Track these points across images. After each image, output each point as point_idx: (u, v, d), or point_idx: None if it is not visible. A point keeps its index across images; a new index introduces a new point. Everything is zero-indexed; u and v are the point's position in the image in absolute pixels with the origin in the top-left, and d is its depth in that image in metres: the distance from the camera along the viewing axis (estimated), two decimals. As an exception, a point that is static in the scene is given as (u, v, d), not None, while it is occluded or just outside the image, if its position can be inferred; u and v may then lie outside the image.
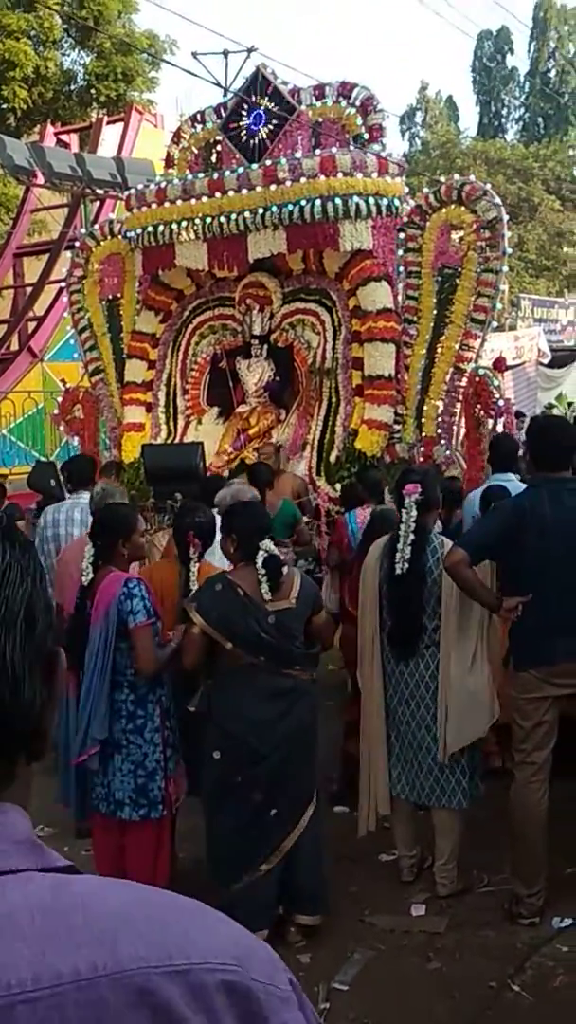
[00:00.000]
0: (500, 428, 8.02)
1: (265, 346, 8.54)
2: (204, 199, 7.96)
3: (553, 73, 35.71)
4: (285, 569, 3.85)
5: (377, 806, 4.37)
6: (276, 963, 0.83)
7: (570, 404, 16.47)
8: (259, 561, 3.75)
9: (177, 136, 9.07)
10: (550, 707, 3.95)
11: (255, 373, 8.51)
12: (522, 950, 3.76)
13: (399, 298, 7.92)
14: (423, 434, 7.81)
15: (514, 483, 5.50)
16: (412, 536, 4.17)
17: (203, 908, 0.83)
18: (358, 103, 7.92)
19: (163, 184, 8.37)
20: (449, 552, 4.01)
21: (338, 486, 7.46)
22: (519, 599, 3.92)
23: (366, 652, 4.41)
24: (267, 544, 3.80)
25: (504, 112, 37.71)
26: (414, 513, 4.20)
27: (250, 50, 9.50)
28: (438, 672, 4.18)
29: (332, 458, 7.93)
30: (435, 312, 7.86)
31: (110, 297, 9.11)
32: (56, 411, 9.58)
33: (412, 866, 4.40)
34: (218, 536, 4.16)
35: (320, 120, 8.06)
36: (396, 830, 4.45)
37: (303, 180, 7.45)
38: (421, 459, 7.66)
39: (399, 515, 4.34)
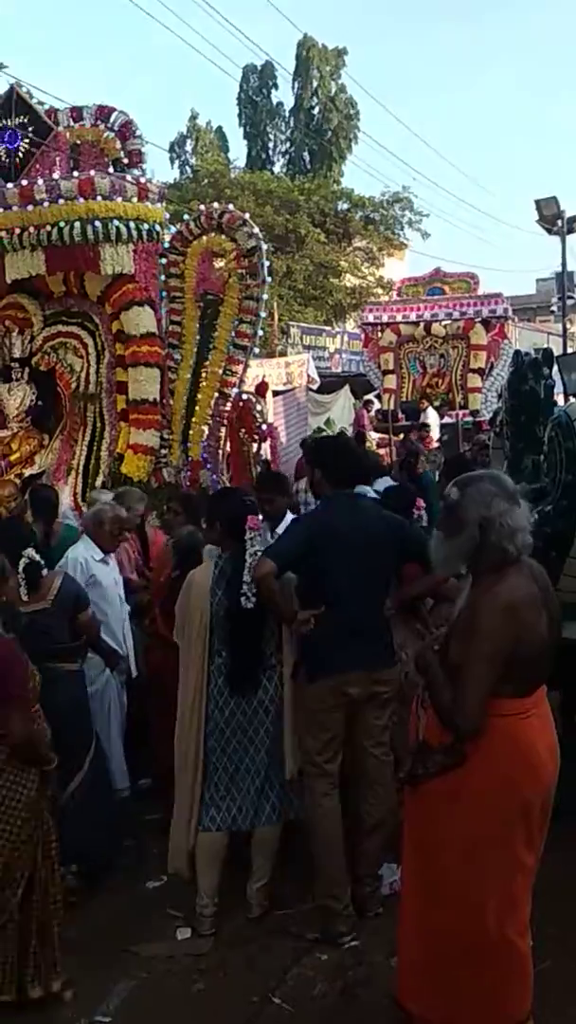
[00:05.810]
0: (265, 451, 8.23)
1: (26, 369, 8.33)
2: (-42, 218, 7.69)
3: (317, 110, 36.94)
4: (44, 572, 4.42)
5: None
6: None
7: (343, 432, 16.55)
8: (20, 567, 4.22)
9: None
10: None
11: (16, 397, 8.28)
12: (284, 962, 3.81)
13: (163, 323, 7.96)
14: (189, 458, 7.87)
15: None
16: None
17: None
18: (116, 127, 7.92)
19: None
20: (258, 564, 3.97)
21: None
22: (311, 611, 3.99)
23: (192, 688, 4.11)
24: (29, 552, 4.33)
25: (271, 145, 38.62)
26: (258, 546, 4.09)
27: (-1, 67, 9.30)
28: (276, 695, 4.10)
29: (98, 483, 7.83)
30: (198, 337, 7.96)
31: None
32: None
33: (213, 916, 4.08)
34: None
35: (78, 142, 7.99)
36: (204, 875, 4.08)
37: (61, 202, 7.35)
38: (188, 483, 7.71)
39: (240, 545, 4.11)
